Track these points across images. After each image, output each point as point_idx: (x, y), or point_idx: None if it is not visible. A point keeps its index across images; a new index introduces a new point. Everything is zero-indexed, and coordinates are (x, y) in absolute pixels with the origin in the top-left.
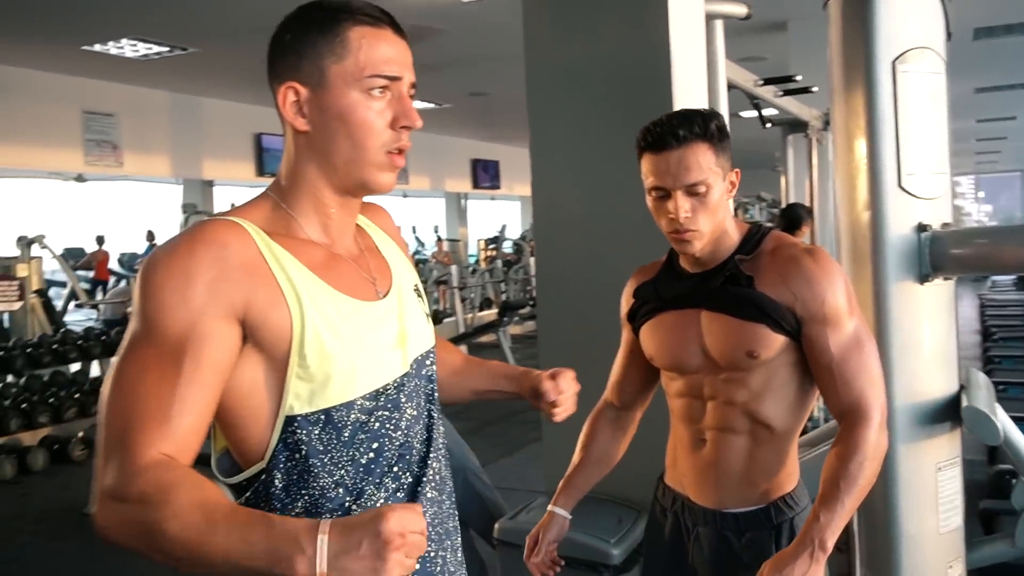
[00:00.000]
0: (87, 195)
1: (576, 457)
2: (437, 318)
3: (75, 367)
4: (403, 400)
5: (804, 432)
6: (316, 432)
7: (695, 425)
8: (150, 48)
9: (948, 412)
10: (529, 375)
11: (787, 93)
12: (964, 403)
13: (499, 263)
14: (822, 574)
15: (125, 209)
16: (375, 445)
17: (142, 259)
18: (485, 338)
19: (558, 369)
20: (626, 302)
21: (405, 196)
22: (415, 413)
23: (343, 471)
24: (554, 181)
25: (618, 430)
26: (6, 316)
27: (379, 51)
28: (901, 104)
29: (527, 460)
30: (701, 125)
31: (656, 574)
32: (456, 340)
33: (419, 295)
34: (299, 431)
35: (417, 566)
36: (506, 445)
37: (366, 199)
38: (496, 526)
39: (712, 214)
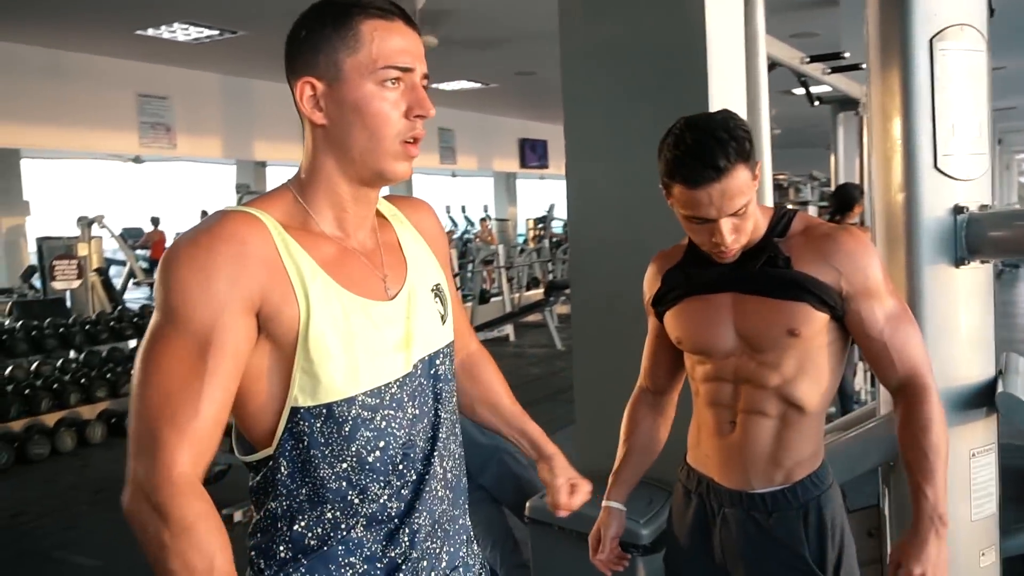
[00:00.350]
0: (144, 176)
1: (621, 450)
2: (484, 298)
3: (132, 343)
4: (406, 399)
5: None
6: (318, 425)
7: (724, 409)
8: (201, 32)
9: (983, 398)
10: (552, 465)
11: (835, 70)
12: (999, 389)
13: (546, 243)
14: (946, 548)
15: (180, 189)
16: (381, 443)
17: None
18: (532, 317)
19: (578, 484)
20: (651, 287)
21: (454, 175)
22: (418, 412)
23: (345, 464)
24: (588, 161)
25: (658, 416)
26: (68, 294)
27: (391, 43)
28: (938, 83)
29: (570, 439)
30: (736, 148)
31: (680, 557)
32: (502, 320)
33: (437, 295)
34: (302, 422)
35: (424, 561)
36: (549, 424)
37: (410, 194)
38: (527, 504)
39: (750, 220)
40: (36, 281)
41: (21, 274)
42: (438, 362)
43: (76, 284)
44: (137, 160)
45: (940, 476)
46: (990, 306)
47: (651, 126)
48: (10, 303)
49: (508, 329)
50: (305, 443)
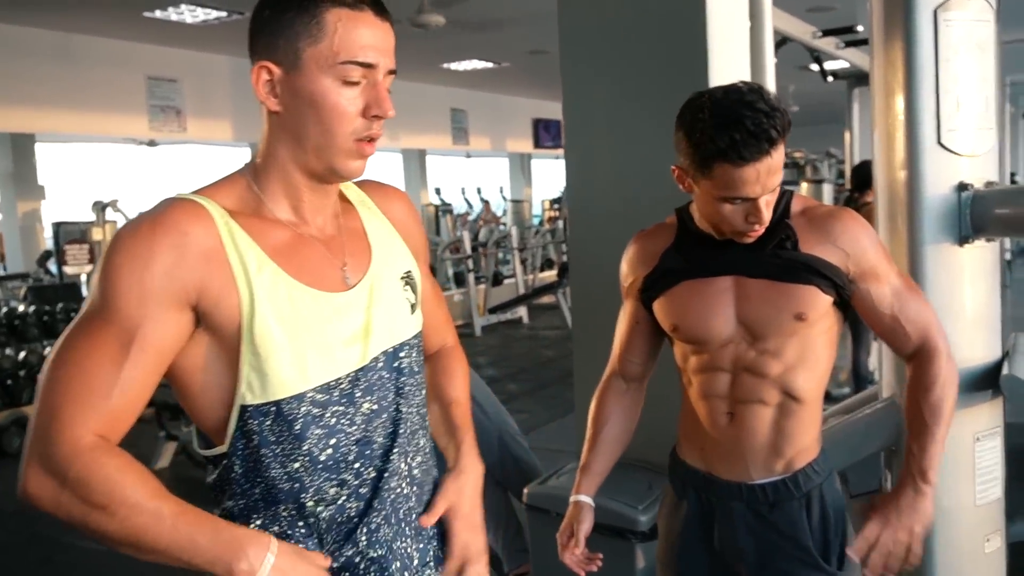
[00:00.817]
0: (159, 160)
1: (591, 442)
2: (497, 279)
3: None
4: (358, 395)
5: (841, 399)
6: (267, 423)
7: (720, 400)
8: (208, 13)
9: (988, 380)
10: (451, 477)
11: (848, 44)
12: (1004, 371)
13: (561, 224)
14: (931, 507)
15: (194, 174)
16: (332, 441)
17: None
18: (545, 299)
19: (464, 550)
20: (636, 270)
21: (468, 156)
22: (375, 408)
23: (297, 464)
24: (587, 139)
25: (629, 405)
26: (84, 278)
27: (355, 36)
28: (942, 55)
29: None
30: (781, 120)
31: (678, 554)
32: (515, 302)
33: (408, 283)
34: (251, 421)
35: (398, 562)
36: (559, 407)
37: (423, 173)
38: (525, 491)
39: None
40: (52, 266)
41: (37, 259)
42: (403, 355)
43: (88, 268)
44: (152, 144)
45: (933, 437)
46: (996, 286)
47: (648, 103)
48: (24, 288)
49: (522, 311)
50: (255, 442)
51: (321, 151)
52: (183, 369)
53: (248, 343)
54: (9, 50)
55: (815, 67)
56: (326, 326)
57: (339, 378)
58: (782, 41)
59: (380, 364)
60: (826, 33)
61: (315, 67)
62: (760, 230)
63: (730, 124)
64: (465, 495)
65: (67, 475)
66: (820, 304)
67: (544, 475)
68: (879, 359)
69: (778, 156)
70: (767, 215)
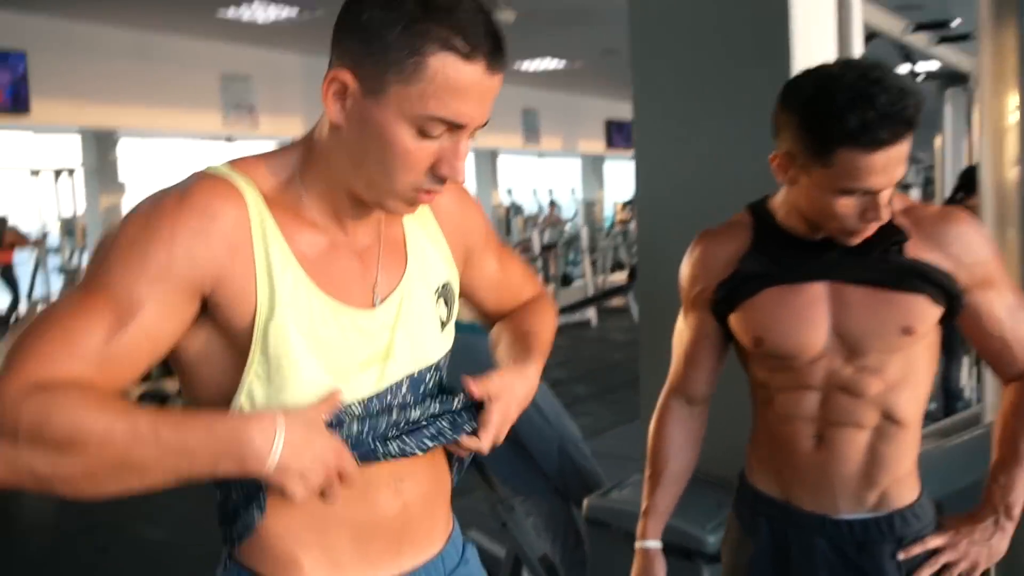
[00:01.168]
0: (233, 155)
1: (655, 478)
2: (566, 281)
3: None
4: (368, 422)
5: (928, 415)
6: None
7: (806, 422)
8: (279, 12)
9: None
10: (503, 372)
11: (942, 41)
12: None
13: (632, 226)
14: (1006, 544)
15: None
16: None
17: None
18: (615, 302)
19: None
20: (708, 276)
21: (541, 156)
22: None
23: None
24: (658, 139)
25: (695, 430)
26: None
27: (455, 93)
28: None
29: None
30: (915, 98)
31: None
32: (583, 304)
33: (442, 296)
34: None
35: None
36: (626, 412)
37: (494, 172)
38: (585, 503)
39: None
40: None
41: None
42: (427, 379)
43: None
44: (229, 139)
45: (1022, 468)
46: None
47: (724, 103)
48: None
49: (590, 314)
50: None
51: (373, 187)
52: (186, 355)
53: (260, 349)
54: (91, 50)
55: (906, 67)
56: (344, 345)
57: (350, 404)
58: (870, 36)
59: (404, 389)
60: (919, 27)
61: (397, 106)
62: (874, 229)
63: (859, 103)
64: (512, 388)
65: (18, 426)
66: (930, 317)
67: (607, 486)
68: (978, 378)
69: (908, 143)
70: (886, 212)
